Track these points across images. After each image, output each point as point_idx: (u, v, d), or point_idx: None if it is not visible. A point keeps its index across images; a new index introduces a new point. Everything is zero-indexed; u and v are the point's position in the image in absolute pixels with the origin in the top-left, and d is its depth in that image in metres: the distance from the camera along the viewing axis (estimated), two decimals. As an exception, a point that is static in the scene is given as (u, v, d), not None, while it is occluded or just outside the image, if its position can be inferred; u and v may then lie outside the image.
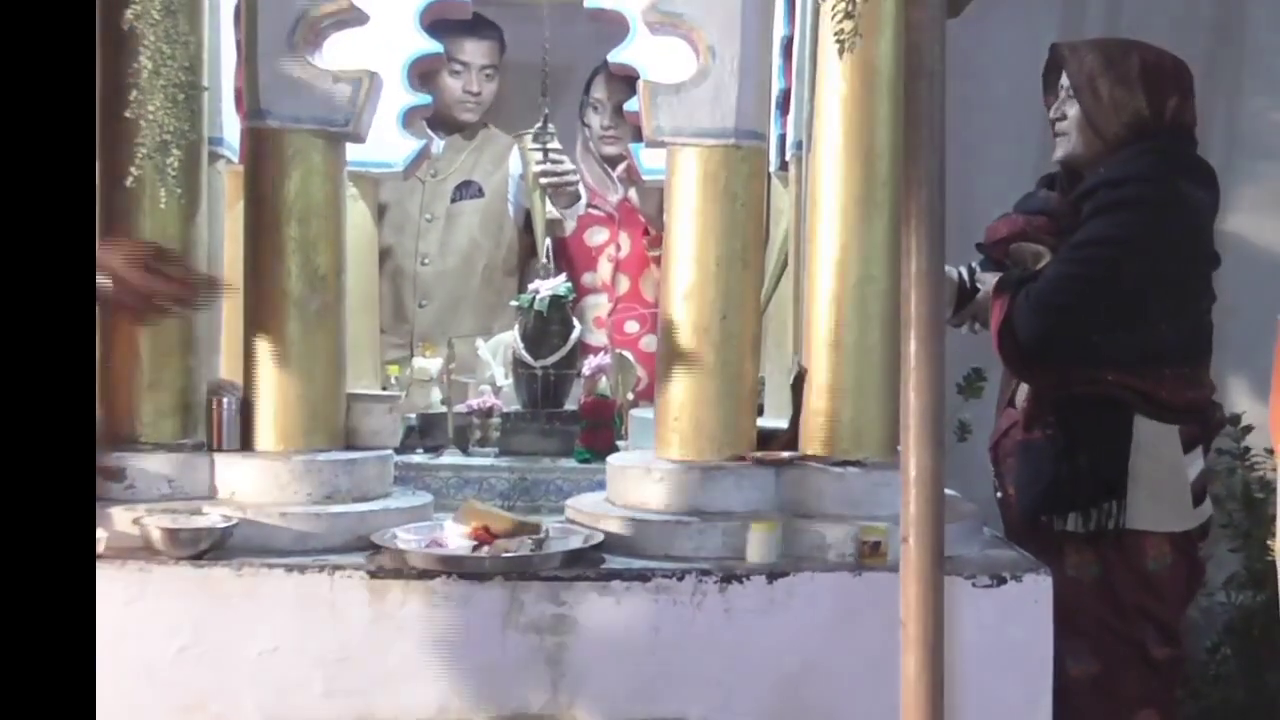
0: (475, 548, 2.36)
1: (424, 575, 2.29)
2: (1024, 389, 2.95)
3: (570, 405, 2.96)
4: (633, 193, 3.69)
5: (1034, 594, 2.36)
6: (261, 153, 2.44)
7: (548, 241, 3.36)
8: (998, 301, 2.87)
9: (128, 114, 1.70)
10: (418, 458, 2.84)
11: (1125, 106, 2.85)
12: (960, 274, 2.98)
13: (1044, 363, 2.85)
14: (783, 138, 2.97)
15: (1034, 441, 2.88)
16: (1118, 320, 2.78)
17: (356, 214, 2.84)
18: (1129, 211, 2.79)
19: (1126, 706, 2.81)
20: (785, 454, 2.52)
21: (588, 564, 2.35)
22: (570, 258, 3.69)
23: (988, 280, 2.95)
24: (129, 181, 2.30)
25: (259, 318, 2.48)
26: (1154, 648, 2.82)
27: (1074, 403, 2.83)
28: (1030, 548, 2.62)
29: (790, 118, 2.94)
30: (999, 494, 3.03)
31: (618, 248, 3.73)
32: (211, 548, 2.32)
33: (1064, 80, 2.93)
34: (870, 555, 2.36)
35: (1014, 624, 2.35)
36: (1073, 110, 2.92)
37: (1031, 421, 2.89)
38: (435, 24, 2.92)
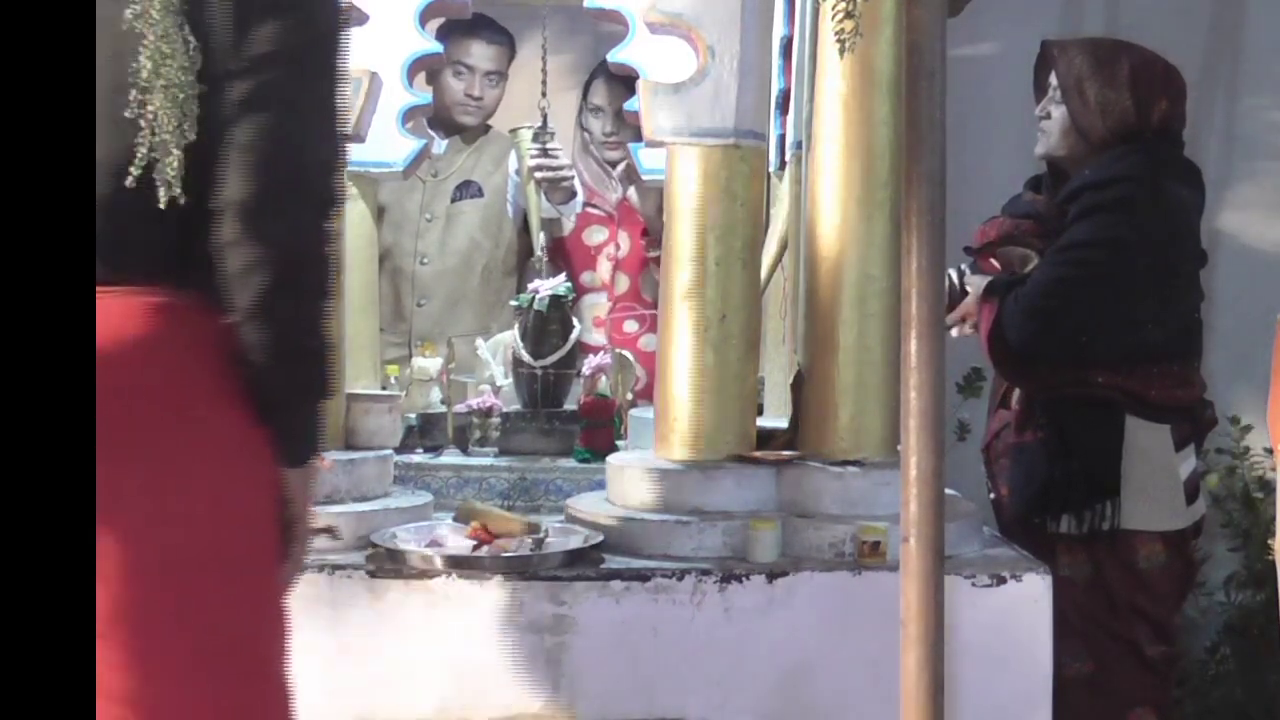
0: (475, 547, 2.36)
1: (424, 575, 2.29)
2: (1017, 391, 2.96)
3: (570, 405, 2.96)
4: (632, 192, 3.69)
5: (1034, 594, 2.36)
6: (261, 153, 2.44)
7: (543, 236, 3.37)
8: (987, 306, 2.87)
9: (127, 114, 1.69)
10: (417, 457, 2.84)
11: (1112, 110, 2.86)
12: (950, 276, 2.98)
13: (1034, 366, 2.86)
14: (782, 138, 2.97)
15: (1026, 444, 2.88)
16: (1106, 321, 2.79)
17: (356, 214, 2.84)
18: (1115, 213, 2.80)
19: (1122, 705, 2.82)
20: (785, 454, 2.52)
21: (588, 564, 2.35)
22: (569, 257, 3.69)
23: (975, 283, 2.96)
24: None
25: (259, 318, 2.47)
26: (1148, 646, 2.83)
27: (1065, 405, 2.84)
28: (1024, 548, 2.63)
29: (790, 118, 2.94)
30: (992, 495, 3.03)
31: (617, 247, 3.73)
32: (211, 548, 2.32)
33: (1052, 79, 2.94)
34: (870, 555, 2.36)
35: (1014, 624, 2.35)
36: (1058, 111, 2.92)
37: (1024, 424, 2.89)
38: (444, 24, 2.92)
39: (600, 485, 2.65)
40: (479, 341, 3.10)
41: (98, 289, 1.63)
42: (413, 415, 2.92)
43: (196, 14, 1.68)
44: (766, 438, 2.59)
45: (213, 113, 1.68)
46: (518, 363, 2.94)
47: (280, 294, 1.68)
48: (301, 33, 1.70)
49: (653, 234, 3.54)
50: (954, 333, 3.02)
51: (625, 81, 2.95)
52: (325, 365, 1.77)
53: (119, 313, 1.65)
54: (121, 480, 1.60)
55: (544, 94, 3.24)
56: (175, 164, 1.68)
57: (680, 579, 2.31)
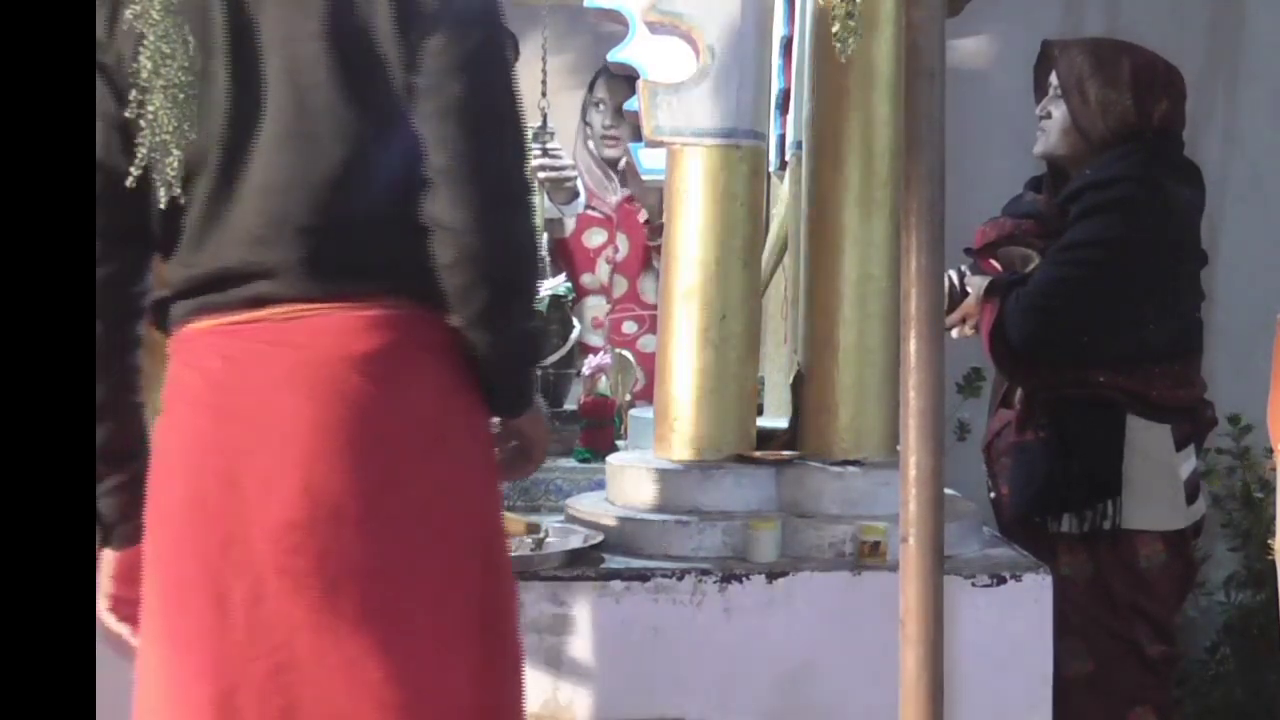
0: (475, 548, 2.36)
1: (424, 575, 2.29)
2: (1018, 390, 2.96)
3: (570, 405, 2.95)
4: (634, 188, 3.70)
5: (1034, 593, 2.36)
6: (261, 153, 2.44)
7: (545, 236, 3.37)
8: (989, 306, 2.88)
9: (127, 114, 1.70)
10: (418, 458, 2.84)
11: (1112, 109, 2.86)
12: (950, 277, 2.98)
13: (1035, 365, 2.86)
14: (782, 138, 2.97)
15: (1028, 443, 2.88)
16: (1107, 321, 2.79)
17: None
18: (1116, 212, 2.80)
19: (1122, 704, 2.82)
20: (785, 454, 2.52)
21: (587, 564, 2.35)
22: (570, 258, 3.69)
23: (976, 283, 2.96)
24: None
25: (259, 318, 2.47)
26: (1148, 645, 2.83)
27: (1066, 405, 2.84)
28: (1024, 548, 2.62)
29: (790, 118, 2.94)
30: (992, 494, 3.03)
31: (615, 249, 3.73)
32: (211, 548, 2.31)
33: (1053, 79, 2.94)
34: (870, 555, 2.36)
35: (1014, 623, 2.35)
36: (1058, 110, 2.93)
37: (1024, 423, 2.89)
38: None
39: (600, 485, 2.65)
40: (479, 341, 3.09)
41: (332, 303, 1.71)
42: (413, 415, 2.91)
43: (364, 34, 1.72)
44: (766, 438, 2.59)
45: (401, 131, 1.73)
46: (518, 363, 2.93)
47: (500, 302, 1.77)
48: (470, 38, 1.74)
49: (653, 222, 3.54)
50: (954, 334, 3.02)
51: (629, 78, 2.96)
52: (539, 337, 1.85)
53: (357, 326, 1.72)
54: (378, 480, 1.70)
55: (544, 94, 3.24)
56: (175, 164, 1.69)
57: (680, 579, 2.31)
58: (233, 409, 1.71)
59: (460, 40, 1.73)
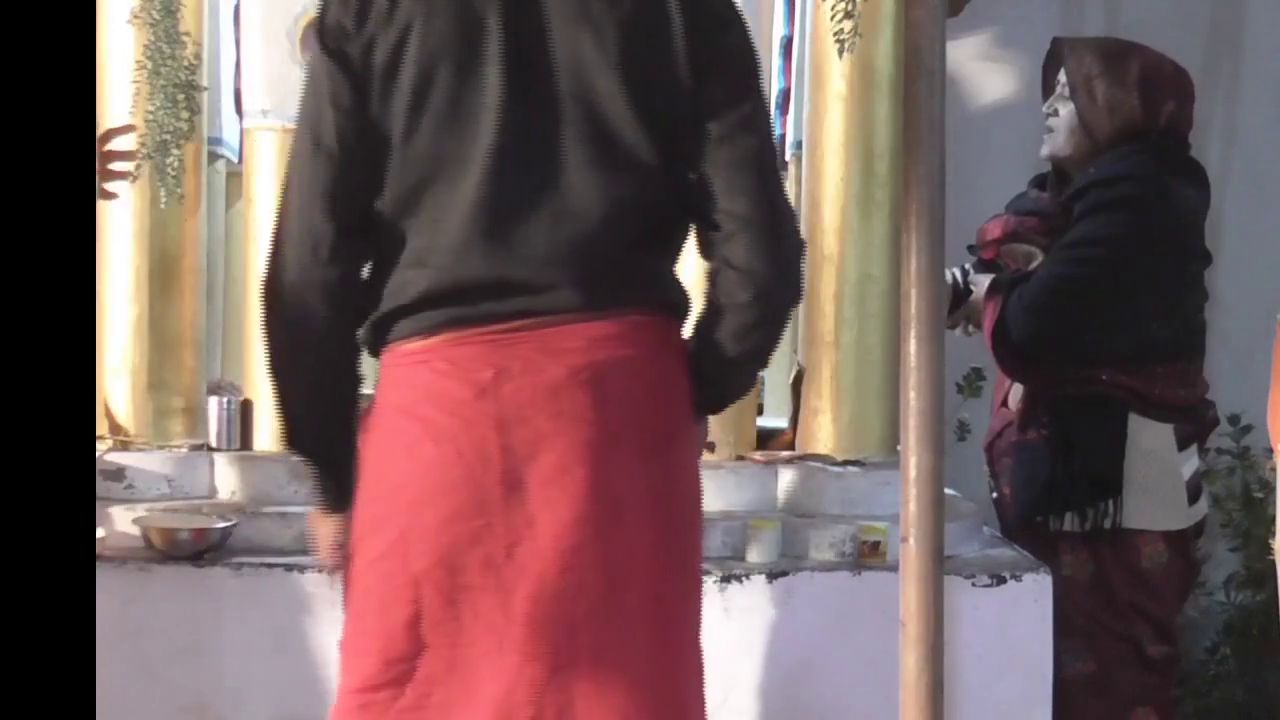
0: (475, 547, 2.36)
1: (424, 575, 2.29)
2: (1019, 389, 2.95)
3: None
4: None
5: (1034, 593, 2.36)
6: (261, 153, 2.44)
7: None
8: (991, 303, 2.87)
9: (130, 113, 1.71)
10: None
11: (1119, 109, 2.86)
12: (954, 275, 2.98)
13: (1038, 363, 2.86)
14: (782, 138, 2.97)
15: (1029, 442, 2.88)
16: (1110, 320, 2.78)
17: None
18: (1120, 211, 2.79)
19: (1122, 705, 2.81)
20: (785, 454, 2.52)
21: (588, 564, 2.35)
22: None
23: (980, 282, 2.96)
24: (129, 181, 2.32)
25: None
26: (1149, 646, 2.82)
27: (1068, 403, 2.83)
28: (1025, 547, 2.62)
29: (790, 118, 2.94)
30: (994, 494, 3.03)
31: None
32: (211, 548, 2.32)
33: (1061, 77, 2.94)
34: (870, 555, 2.36)
35: (1014, 623, 2.35)
36: (1066, 109, 2.92)
37: (1027, 422, 2.89)
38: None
39: (600, 485, 2.65)
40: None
41: (590, 312, 1.76)
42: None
43: (657, 73, 1.75)
44: (766, 438, 2.59)
45: (679, 167, 1.78)
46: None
47: (774, 340, 1.88)
48: (757, 95, 1.82)
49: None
50: (957, 332, 3.02)
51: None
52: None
53: (620, 332, 1.78)
54: (651, 477, 1.77)
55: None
56: (175, 164, 1.69)
57: (680, 579, 2.31)
58: (513, 416, 1.73)
59: (751, 96, 1.81)
